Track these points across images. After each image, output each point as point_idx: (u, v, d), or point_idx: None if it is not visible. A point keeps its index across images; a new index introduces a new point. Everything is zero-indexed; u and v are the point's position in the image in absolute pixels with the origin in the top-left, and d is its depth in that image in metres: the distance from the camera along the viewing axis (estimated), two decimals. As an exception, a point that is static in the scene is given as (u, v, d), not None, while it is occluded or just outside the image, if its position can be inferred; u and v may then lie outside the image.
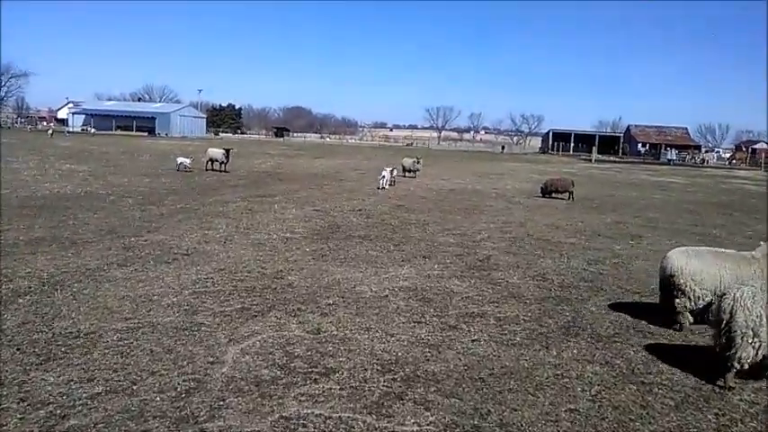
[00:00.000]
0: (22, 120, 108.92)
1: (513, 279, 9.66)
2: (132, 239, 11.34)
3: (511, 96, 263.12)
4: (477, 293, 8.63)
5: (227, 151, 28.41)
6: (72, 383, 5.11)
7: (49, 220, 12.98)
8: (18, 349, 5.79)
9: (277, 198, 19.04)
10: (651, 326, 7.54)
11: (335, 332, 6.69)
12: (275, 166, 34.61)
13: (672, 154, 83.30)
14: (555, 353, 6.40)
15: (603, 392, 5.48)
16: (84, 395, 4.91)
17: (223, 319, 6.97)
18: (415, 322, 7.18)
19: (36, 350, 5.79)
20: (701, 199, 27.26)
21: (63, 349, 5.85)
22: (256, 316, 7.14)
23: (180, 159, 27.69)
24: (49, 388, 5.01)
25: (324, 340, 6.41)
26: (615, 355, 6.47)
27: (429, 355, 6.16)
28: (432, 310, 7.68)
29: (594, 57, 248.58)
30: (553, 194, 23.57)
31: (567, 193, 23.44)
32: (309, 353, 6.04)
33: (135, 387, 5.10)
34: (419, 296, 8.34)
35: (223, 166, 27.96)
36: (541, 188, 24.06)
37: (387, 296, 8.26)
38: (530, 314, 7.75)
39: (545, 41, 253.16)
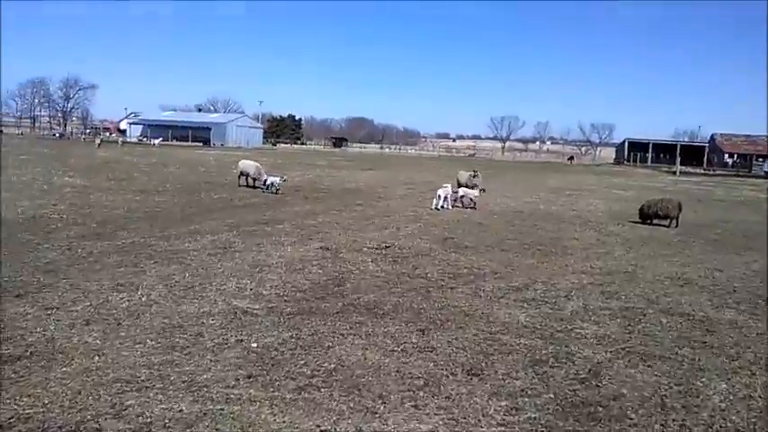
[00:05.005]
0: (87, 130, 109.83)
1: (672, 462, 4.22)
2: (-33, 316, 6.60)
3: (579, 105, 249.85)
4: None
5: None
6: None
7: None
8: None
9: (281, 226, 14.08)
10: None
11: None
12: (312, 180, 29.86)
13: (768, 166, 74.06)
14: None
15: None
16: None
17: None
18: None
19: None
20: None
21: None
22: None
23: (270, 179, 22.46)
24: None
25: None
26: None
27: None
28: None
29: (669, 62, 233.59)
30: (654, 220, 17.82)
31: (670, 219, 17.61)
32: None
33: None
34: None
35: (256, 182, 22.92)
36: (641, 211, 18.21)
37: None
38: None
39: (612, 47, 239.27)
